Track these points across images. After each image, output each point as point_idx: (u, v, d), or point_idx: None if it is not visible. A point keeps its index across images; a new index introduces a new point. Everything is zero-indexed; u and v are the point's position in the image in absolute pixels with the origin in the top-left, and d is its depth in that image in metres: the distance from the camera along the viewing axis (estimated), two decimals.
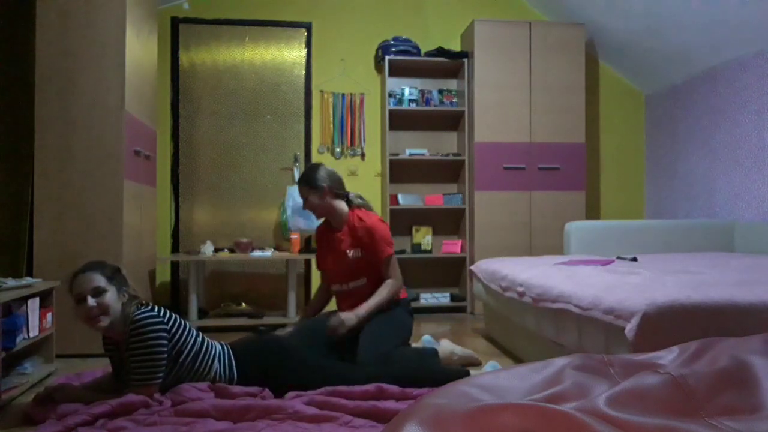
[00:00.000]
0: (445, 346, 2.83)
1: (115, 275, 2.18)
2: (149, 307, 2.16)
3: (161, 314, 2.16)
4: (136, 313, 2.12)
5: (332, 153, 4.78)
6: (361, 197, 2.97)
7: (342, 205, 2.86)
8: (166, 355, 2.13)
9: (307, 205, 2.86)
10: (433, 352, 2.74)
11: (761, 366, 0.96)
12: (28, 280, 2.66)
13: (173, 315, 2.22)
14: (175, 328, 2.18)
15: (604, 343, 2.07)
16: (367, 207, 2.94)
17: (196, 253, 4.08)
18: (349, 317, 2.65)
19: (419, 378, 2.27)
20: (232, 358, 2.30)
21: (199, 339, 2.26)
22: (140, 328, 2.08)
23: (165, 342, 2.13)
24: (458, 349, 2.84)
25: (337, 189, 2.84)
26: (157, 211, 4.36)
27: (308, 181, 2.83)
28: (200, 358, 2.22)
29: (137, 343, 2.08)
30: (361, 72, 4.84)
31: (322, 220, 3.01)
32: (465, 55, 4.63)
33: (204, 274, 4.47)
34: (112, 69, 3.19)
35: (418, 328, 3.96)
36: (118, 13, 3.20)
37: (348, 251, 2.81)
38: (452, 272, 4.85)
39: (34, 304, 2.62)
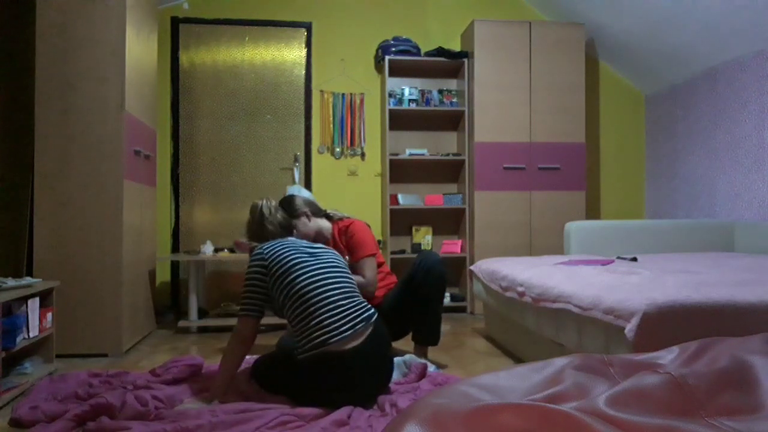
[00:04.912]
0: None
1: None
2: (267, 243, 2.32)
3: (265, 248, 2.28)
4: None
5: (332, 153, 4.78)
6: (337, 212, 3.10)
7: (325, 222, 2.96)
8: (258, 289, 2.22)
9: (294, 234, 2.91)
10: None
11: (761, 366, 0.96)
12: (28, 280, 2.66)
13: (283, 252, 2.23)
14: (274, 264, 2.20)
15: (604, 343, 2.07)
16: (347, 218, 3.05)
17: (195, 253, 4.08)
18: None
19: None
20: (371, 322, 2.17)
21: (306, 284, 2.14)
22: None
23: (258, 275, 2.23)
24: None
25: (315, 210, 2.94)
26: (157, 211, 4.36)
27: (288, 213, 2.86)
28: (296, 306, 2.13)
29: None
30: (361, 72, 4.84)
31: None
32: (465, 55, 4.63)
33: (204, 274, 4.47)
34: (112, 69, 3.19)
35: None
36: (118, 13, 3.21)
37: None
38: (452, 272, 4.85)
39: (34, 304, 2.62)
